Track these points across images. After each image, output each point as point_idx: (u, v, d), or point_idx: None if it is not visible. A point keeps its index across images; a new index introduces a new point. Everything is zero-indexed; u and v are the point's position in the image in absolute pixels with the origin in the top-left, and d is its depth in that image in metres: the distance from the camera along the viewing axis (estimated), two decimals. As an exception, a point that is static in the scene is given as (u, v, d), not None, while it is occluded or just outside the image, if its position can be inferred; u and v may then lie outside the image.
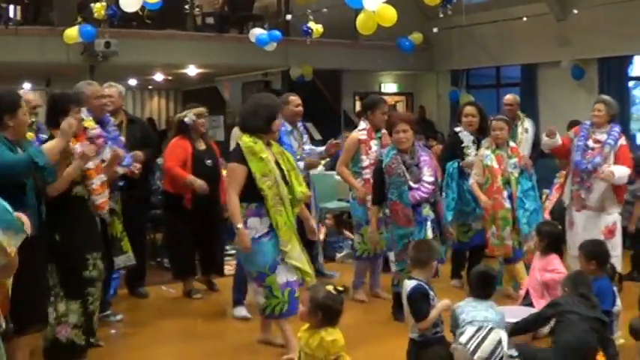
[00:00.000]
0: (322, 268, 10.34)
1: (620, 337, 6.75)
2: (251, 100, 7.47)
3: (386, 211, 8.07)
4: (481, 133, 9.49)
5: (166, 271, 10.39)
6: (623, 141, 9.07)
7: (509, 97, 11.45)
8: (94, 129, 7.20)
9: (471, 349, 5.79)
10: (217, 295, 9.47)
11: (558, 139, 9.17)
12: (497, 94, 18.87)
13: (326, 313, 5.15)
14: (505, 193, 8.81)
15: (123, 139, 8.20)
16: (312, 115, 14.20)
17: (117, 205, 7.90)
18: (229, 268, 9.75)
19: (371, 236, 8.41)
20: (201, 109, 9.29)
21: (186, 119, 9.12)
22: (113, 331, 8.08)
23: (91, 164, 6.70)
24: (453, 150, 9.64)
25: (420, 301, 6.08)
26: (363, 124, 9.20)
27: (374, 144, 8.96)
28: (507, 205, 8.80)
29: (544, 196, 12.79)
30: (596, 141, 8.97)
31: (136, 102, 25.41)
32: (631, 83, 17.53)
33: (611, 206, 8.96)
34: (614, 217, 9.06)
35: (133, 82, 23.27)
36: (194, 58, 17.86)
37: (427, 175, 7.88)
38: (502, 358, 5.83)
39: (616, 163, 8.85)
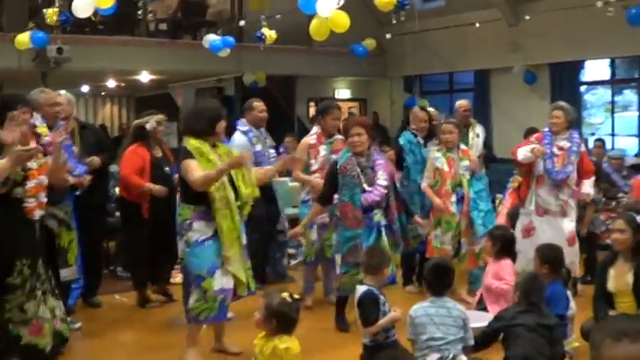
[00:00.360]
0: (284, 271, 10.36)
1: (575, 341, 6.78)
2: (194, 105, 7.50)
3: (336, 214, 8.09)
4: (429, 136, 9.62)
5: (120, 280, 10.31)
6: (583, 147, 9.19)
7: (465, 103, 11.44)
8: (47, 136, 7.12)
9: None
10: (174, 304, 9.36)
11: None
12: (451, 99, 18.93)
13: (281, 320, 5.12)
14: (453, 197, 8.85)
15: (75, 148, 8.13)
16: (266, 121, 14.18)
17: (67, 216, 7.81)
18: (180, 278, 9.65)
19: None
20: (162, 117, 9.19)
21: (147, 125, 9.01)
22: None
23: (34, 164, 6.60)
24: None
25: (370, 307, 6.08)
26: (314, 129, 9.24)
27: (323, 149, 8.96)
28: (453, 209, 8.84)
29: (497, 201, 12.86)
30: (560, 148, 9.04)
31: (89, 108, 25.28)
32: (583, 88, 17.71)
33: (571, 212, 9.04)
34: (574, 223, 9.17)
35: (85, 88, 23.13)
36: (147, 64, 17.77)
37: (381, 179, 7.86)
38: None
39: (579, 170, 9.00)
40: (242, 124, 9.76)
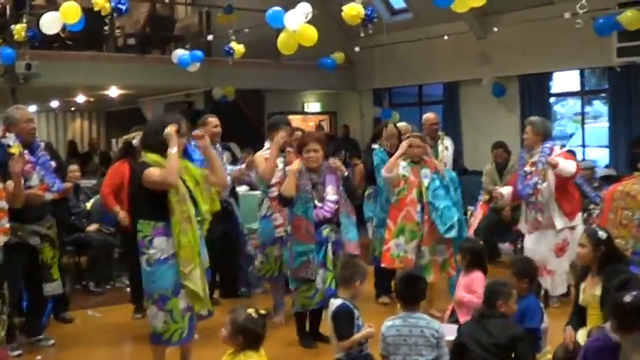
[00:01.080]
0: (257, 281, 10.32)
1: (549, 353, 6.78)
2: (152, 119, 7.39)
3: (287, 229, 8.13)
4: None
5: (92, 295, 10.32)
6: (557, 151, 9.21)
7: (432, 117, 11.43)
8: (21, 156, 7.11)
9: None
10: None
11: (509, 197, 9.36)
12: (420, 112, 18.90)
13: (247, 336, 5.06)
14: (418, 207, 8.81)
15: (53, 163, 8.10)
16: (235, 135, 14.17)
17: (51, 231, 7.80)
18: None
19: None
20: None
21: (133, 141, 9.03)
22: (39, 357, 7.93)
23: None
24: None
25: (344, 321, 6.02)
26: (267, 144, 9.19)
27: (280, 162, 8.91)
28: (417, 218, 8.79)
29: (468, 213, 12.89)
30: (532, 164, 9.10)
31: (59, 124, 25.11)
32: (552, 99, 17.77)
33: (558, 221, 9.07)
34: (564, 233, 9.22)
35: (55, 103, 22.98)
36: (116, 79, 17.65)
37: (330, 194, 7.96)
38: None
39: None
40: None
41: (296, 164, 8.01)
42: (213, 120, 9.55)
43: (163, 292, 6.71)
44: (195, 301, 6.82)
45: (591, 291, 6.50)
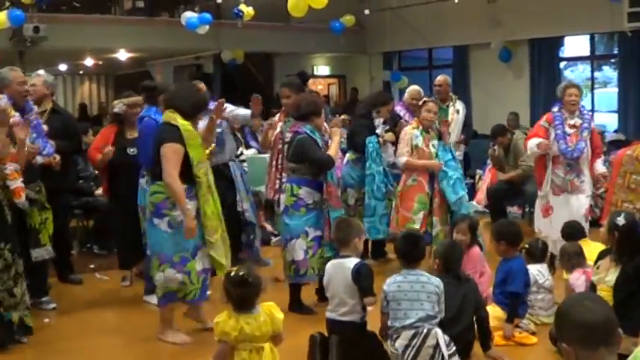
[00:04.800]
0: (258, 255, 10.10)
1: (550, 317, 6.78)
2: (184, 86, 7.30)
3: (298, 193, 7.77)
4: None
5: (96, 258, 10.29)
6: (593, 123, 9.25)
7: (439, 78, 11.43)
8: (13, 117, 7.07)
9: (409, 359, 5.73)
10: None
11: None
12: (430, 75, 18.93)
13: (228, 297, 5.02)
14: (428, 177, 8.78)
15: (45, 127, 8.04)
16: (245, 99, 14.14)
17: (39, 195, 7.75)
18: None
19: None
20: (135, 99, 8.96)
21: (115, 109, 8.93)
22: (46, 320, 7.94)
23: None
24: (368, 131, 9.27)
25: (369, 277, 5.98)
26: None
27: (279, 126, 8.75)
28: (427, 189, 8.77)
29: (477, 177, 12.89)
30: (572, 126, 9.05)
31: (67, 87, 25.15)
32: (562, 64, 17.69)
33: (587, 188, 9.11)
34: (590, 199, 9.27)
35: (63, 67, 23.03)
36: (125, 42, 17.68)
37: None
38: (443, 357, 5.72)
39: (590, 146, 9.07)
40: None
41: (337, 133, 7.91)
42: (201, 87, 9.57)
43: (184, 254, 6.73)
44: (218, 268, 6.89)
45: (606, 273, 6.44)
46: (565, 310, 3.09)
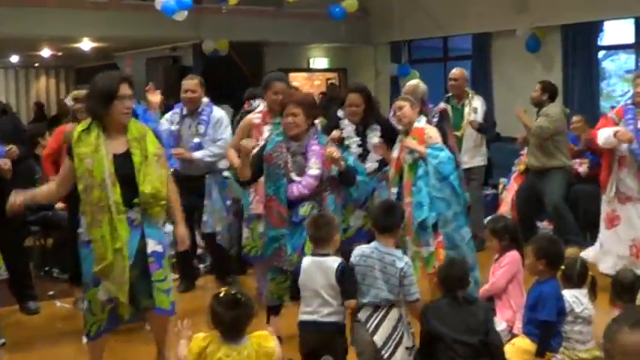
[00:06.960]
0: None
1: (595, 349, 6.75)
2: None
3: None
4: (365, 124, 9.14)
5: (57, 282, 10.33)
6: None
7: (454, 72, 11.45)
8: None
9: (371, 330, 6.15)
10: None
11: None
12: (445, 68, 18.90)
13: (212, 320, 5.12)
14: (394, 189, 8.74)
15: None
16: (229, 96, 14.14)
17: None
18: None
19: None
20: (80, 92, 8.90)
21: (66, 101, 8.93)
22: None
23: None
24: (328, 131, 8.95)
25: (352, 279, 6.28)
26: (260, 106, 9.11)
27: (267, 129, 8.68)
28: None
29: (501, 186, 12.87)
30: None
31: (20, 83, 25.17)
32: (601, 54, 17.61)
33: None
34: None
35: (15, 59, 23.06)
36: (88, 29, 17.68)
37: (313, 168, 7.45)
38: (402, 334, 6.15)
39: None
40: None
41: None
42: (185, 82, 9.62)
43: (85, 279, 6.66)
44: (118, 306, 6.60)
45: None
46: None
